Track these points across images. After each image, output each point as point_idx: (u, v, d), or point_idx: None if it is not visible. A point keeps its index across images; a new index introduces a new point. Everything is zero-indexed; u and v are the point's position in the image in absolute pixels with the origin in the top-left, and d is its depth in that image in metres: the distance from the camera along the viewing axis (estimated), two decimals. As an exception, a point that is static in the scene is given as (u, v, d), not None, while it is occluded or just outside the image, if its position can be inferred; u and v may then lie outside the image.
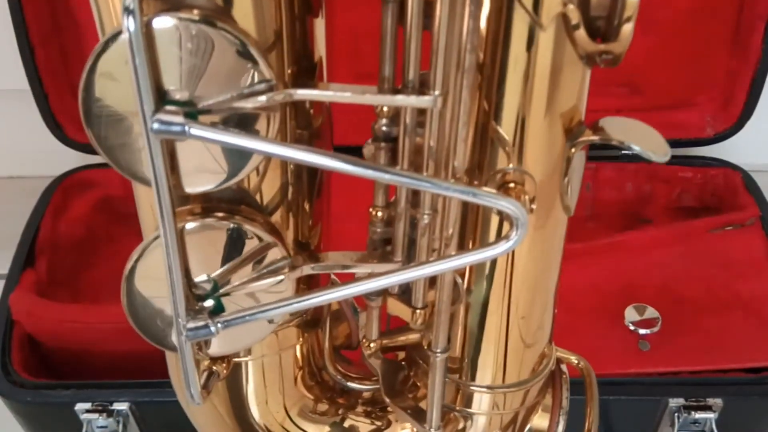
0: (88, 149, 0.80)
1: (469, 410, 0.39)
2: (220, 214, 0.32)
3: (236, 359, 0.38)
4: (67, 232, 0.78)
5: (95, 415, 0.63)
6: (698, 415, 0.62)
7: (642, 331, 0.70)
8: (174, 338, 0.33)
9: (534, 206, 0.33)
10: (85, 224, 0.80)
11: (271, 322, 0.35)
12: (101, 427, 0.64)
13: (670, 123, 0.81)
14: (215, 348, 0.36)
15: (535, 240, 0.34)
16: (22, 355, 0.66)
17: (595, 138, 0.31)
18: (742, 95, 0.78)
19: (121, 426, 0.63)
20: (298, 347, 0.39)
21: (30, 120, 0.79)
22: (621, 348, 0.69)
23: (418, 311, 0.36)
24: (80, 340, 0.67)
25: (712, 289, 0.74)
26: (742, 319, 0.71)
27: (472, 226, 0.34)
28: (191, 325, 0.32)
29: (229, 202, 0.33)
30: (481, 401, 0.39)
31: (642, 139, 0.30)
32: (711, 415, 0.63)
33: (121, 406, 0.63)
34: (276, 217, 0.34)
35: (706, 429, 0.64)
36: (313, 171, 0.35)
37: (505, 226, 0.33)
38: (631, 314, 0.71)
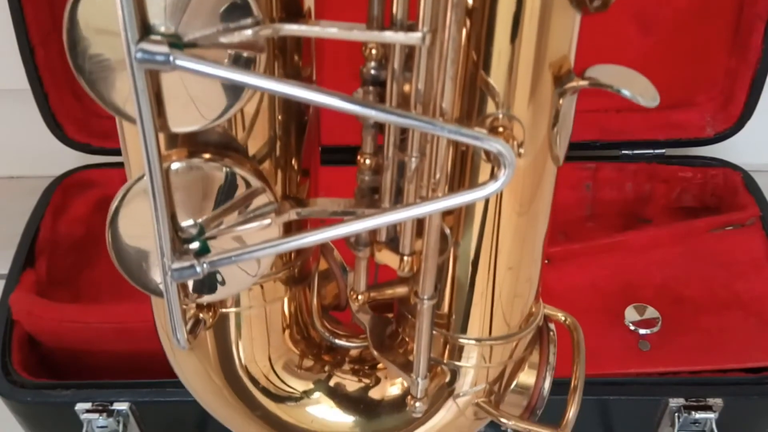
0: (88, 149, 0.80)
1: (457, 363, 0.39)
2: (208, 156, 0.32)
3: (223, 309, 0.38)
4: (67, 232, 0.78)
5: (95, 415, 0.63)
6: (698, 415, 0.62)
7: (642, 331, 0.70)
8: (159, 280, 0.33)
9: (522, 150, 0.33)
10: (85, 224, 0.80)
11: (254, 275, 0.35)
12: (101, 427, 0.64)
13: (670, 123, 0.81)
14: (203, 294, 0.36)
15: (524, 188, 0.34)
16: (22, 355, 0.66)
17: (584, 83, 0.32)
18: (742, 95, 0.78)
19: (121, 426, 0.63)
20: (285, 301, 0.39)
21: (30, 120, 0.79)
22: (621, 348, 0.69)
23: (405, 258, 0.36)
24: (80, 339, 0.67)
25: (712, 288, 0.74)
26: (742, 319, 0.71)
27: (461, 174, 0.34)
28: (176, 265, 0.32)
29: (217, 147, 0.32)
30: (469, 354, 0.39)
31: (631, 83, 0.30)
32: (711, 415, 0.63)
33: (121, 406, 0.63)
34: (264, 166, 0.34)
35: (706, 429, 0.64)
36: (301, 126, 0.35)
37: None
38: (631, 314, 0.71)
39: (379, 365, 0.42)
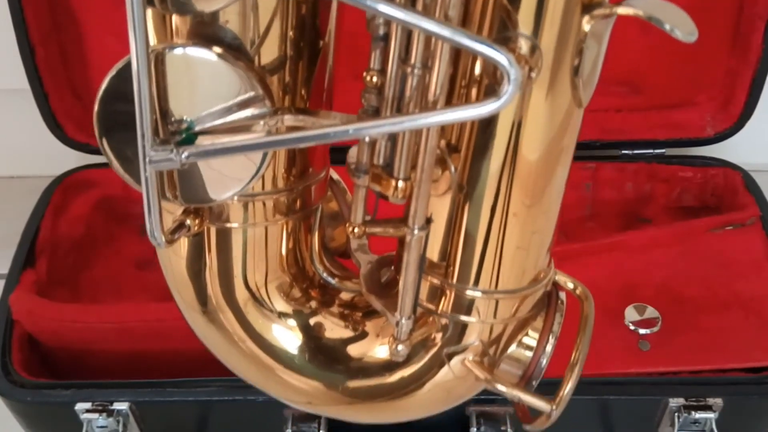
0: (88, 149, 0.80)
1: (454, 315, 0.38)
2: (218, 49, 0.32)
3: (226, 224, 0.38)
4: (67, 231, 0.78)
5: (95, 415, 0.63)
6: (698, 415, 0.62)
7: (642, 331, 0.70)
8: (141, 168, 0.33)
9: (534, 75, 0.31)
10: (85, 224, 0.80)
11: (240, 183, 0.35)
12: (101, 426, 0.64)
13: (670, 123, 0.81)
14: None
15: (540, 124, 0.32)
16: (22, 355, 0.66)
17: (616, 10, 0.30)
18: (742, 95, 0.78)
19: (121, 426, 0.63)
20: (284, 230, 0.39)
21: (30, 120, 0.79)
22: (621, 348, 0.69)
23: (399, 183, 0.35)
24: (80, 339, 0.67)
25: (712, 288, 0.74)
26: (742, 318, 0.71)
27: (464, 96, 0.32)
28: (153, 153, 0.32)
29: (220, 43, 0.33)
30: (468, 306, 0.38)
31: (668, 15, 0.29)
32: (711, 415, 0.63)
33: (121, 405, 0.63)
34: (272, 80, 0.34)
35: (706, 429, 0.64)
36: (314, 50, 0.35)
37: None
38: (631, 314, 0.71)
39: (373, 316, 0.41)
